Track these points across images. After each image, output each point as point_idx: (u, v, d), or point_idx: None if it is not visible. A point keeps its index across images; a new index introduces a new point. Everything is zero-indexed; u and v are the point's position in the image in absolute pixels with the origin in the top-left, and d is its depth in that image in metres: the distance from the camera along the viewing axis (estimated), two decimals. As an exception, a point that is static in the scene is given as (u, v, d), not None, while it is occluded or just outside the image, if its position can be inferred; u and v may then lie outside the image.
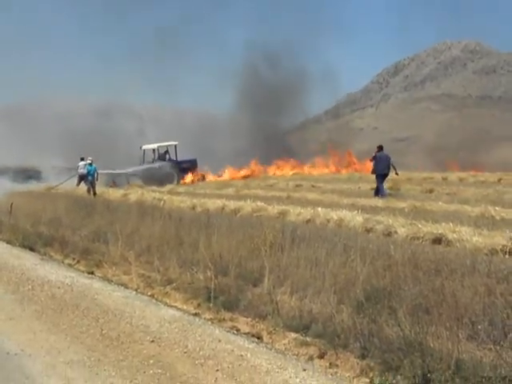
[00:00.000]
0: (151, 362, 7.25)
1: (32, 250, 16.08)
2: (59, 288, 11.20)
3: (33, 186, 35.28)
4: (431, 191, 25.18)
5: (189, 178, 41.95)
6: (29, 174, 41.75)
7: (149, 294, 11.00)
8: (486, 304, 7.29)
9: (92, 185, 31.67)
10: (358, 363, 7.08)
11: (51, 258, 14.94)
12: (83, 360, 7.35)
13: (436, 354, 6.48)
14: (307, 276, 9.37)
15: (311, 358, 7.53)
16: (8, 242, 17.34)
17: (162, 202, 23.09)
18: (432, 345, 6.67)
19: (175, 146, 43.82)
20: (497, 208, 16.79)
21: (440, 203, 19.10)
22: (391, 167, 24.32)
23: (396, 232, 13.66)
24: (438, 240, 12.70)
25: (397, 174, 24.88)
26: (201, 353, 7.54)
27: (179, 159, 43.31)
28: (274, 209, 18.41)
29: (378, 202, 20.67)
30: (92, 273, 12.99)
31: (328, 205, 19.16)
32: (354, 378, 6.92)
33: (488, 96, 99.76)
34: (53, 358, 7.45)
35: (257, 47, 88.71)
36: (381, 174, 24.24)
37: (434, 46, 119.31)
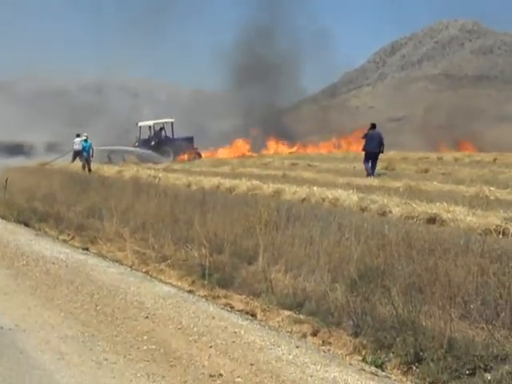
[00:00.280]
0: (145, 337, 7.28)
1: (27, 225, 16.08)
2: (54, 264, 11.21)
3: (25, 161, 35.20)
4: (426, 171, 25.19)
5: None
6: (20, 150, 41.61)
7: (143, 270, 11.03)
8: (478, 283, 7.32)
9: (87, 161, 31.60)
10: (350, 341, 7.13)
11: (46, 234, 14.95)
12: (77, 335, 7.37)
13: (428, 333, 6.52)
14: (301, 254, 9.40)
15: (304, 336, 7.58)
16: (3, 218, 17.33)
17: (158, 179, 23.06)
18: (424, 323, 6.72)
19: (171, 123, 43.69)
20: (491, 188, 16.82)
21: (435, 183, 19.12)
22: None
23: (390, 211, 13.68)
24: (432, 220, 12.72)
25: (382, 151, 24.80)
26: (195, 329, 7.57)
27: (175, 136, 43.18)
28: (269, 187, 18.40)
29: (373, 181, 20.69)
30: (87, 249, 13.01)
31: (323, 184, 19.16)
32: (346, 355, 6.97)
33: (485, 76, 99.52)
34: (47, 333, 7.47)
35: (250, 23, 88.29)
36: (371, 152, 24.21)
37: (431, 26, 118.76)
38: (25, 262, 11.28)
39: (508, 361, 5.94)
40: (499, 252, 8.52)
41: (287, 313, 8.19)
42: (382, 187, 17.92)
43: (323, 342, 7.35)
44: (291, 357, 6.75)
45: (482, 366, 5.99)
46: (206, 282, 9.70)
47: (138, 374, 6.25)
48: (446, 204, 13.45)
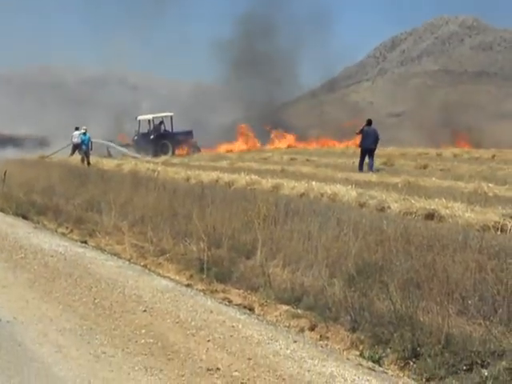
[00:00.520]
0: (143, 331, 7.29)
1: (25, 218, 16.07)
2: (52, 256, 11.22)
3: (21, 154, 35.13)
4: (425, 167, 25.21)
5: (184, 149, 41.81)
6: (15, 142, 41.53)
7: (142, 264, 11.04)
8: (476, 280, 7.34)
9: (86, 154, 31.60)
10: (348, 336, 7.14)
11: (44, 227, 14.94)
12: (75, 328, 7.38)
13: (426, 329, 6.54)
14: (300, 249, 9.41)
15: (302, 330, 7.59)
16: (1, 211, 17.31)
17: (156, 173, 23.08)
18: (422, 319, 6.73)
19: (171, 117, 43.67)
20: (490, 184, 16.84)
21: (434, 179, 19.15)
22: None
23: (389, 207, 13.70)
24: (430, 215, 12.75)
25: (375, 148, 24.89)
26: (192, 323, 7.59)
27: (174, 130, 43.17)
28: (268, 182, 18.41)
29: (372, 176, 20.71)
30: (85, 242, 13.00)
31: (322, 179, 19.18)
32: (344, 350, 6.98)
33: (484, 72, 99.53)
34: (45, 325, 7.48)
35: (249, 16, 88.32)
36: (367, 149, 24.30)
37: (432, 21, 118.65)
38: (23, 255, 11.28)
39: (505, 357, 5.95)
40: (497, 248, 8.54)
41: (285, 307, 8.21)
42: (381, 183, 17.93)
43: (321, 336, 7.36)
44: (289, 351, 6.76)
45: (479, 361, 6.01)
46: (204, 276, 9.70)
47: (136, 368, 6.26)
48: (444, 200, 13.47)
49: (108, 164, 29.99)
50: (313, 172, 22.87)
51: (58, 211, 15.69)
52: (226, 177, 20.53)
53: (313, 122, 61.42)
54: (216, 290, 9.23)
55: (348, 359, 6.69)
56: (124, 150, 40.78)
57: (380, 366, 6.51)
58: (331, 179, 19.32)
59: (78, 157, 33.04)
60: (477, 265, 7.63)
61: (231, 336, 7.19)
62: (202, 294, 9.12)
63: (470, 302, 6.93)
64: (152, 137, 42.06)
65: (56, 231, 14.39)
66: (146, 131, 42.88)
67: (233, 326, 7.52)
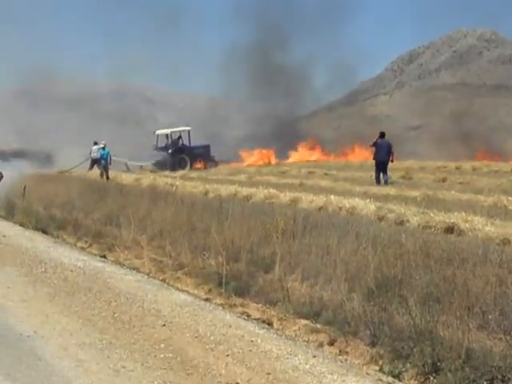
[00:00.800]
0: (162, 345, 7.30)
1: (45, 232, 16.18)
2: (72, 271, 11.28)
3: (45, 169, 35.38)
4: (444, 180, 25.07)
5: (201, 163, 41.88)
6: (33, 157, 41.70)
7: (160, 278, 11.07)
8: (497, 294, 7.29)
9: (105, 169, 31.73)
10: (367, 351, 7.11)
11: (64, 241, 15.04)
12: (95, 342, 7.41)
13: (446, 343, 6.50)
14: (318, 263, 9.39)
15: (321, 345, 7.57)
16: (21, 225, 17.45)
17: (175, 187, 23.12)
18: (442, 334, 6.69)
19: (188, 131, 43.83)
20: (510, 198, 16.70)
21: (453, 192, 19.02)
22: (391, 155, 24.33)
23: (408, 221, 13.62)
24: (450, 229, 12.66)
25: (392, 161, 24.80)
26: (211, 338, 7.59)
27: (192, 144, 43.32)
28: (286, 196, 18.39)
29: (391, 190, 20.62)
30: (104, 256, 13.07)
31: (340, 192, 19.12)
32: (363, 365, 6.95)
33: (503, 85, 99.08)
34: (65, 340, 7.51)
35: (268, 30, 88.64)
36: (380, 161, 24.24)
37: (450, 34, 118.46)
38: (43, 269, 11.35)
39: (526, 372, 5.91)
40: (518, 262, 8.47)
41: (304, 322, 8.19)
42: (400, 196, 17.85)
43: (340, 351, 7.34)
44: (308, 366, 6.74)
45: (500, 376, 5.96)
46: (222, 290, 9.71)
47: (156, 382, 6.27)
48: (464, 213, 13.37)
49: (127, 178, 30.08)
50: (331, 186, 22.81)
51: (77, 225, 15.79)
52: (244, 191, 20.52)
53: (330, 136, 61.41)
54: (235, 304, 9.24)
55: (368, 374, 6.66)
56: (142, 163, 40.94)
57: (400, 380, 6.47)
58: (349, 193, 19.26)
59: (96, 171, 33.20)
60: (497, 279, 7.58)
61: (250, 350, 7.18)
62: (220, 308, 9.12)
63: (490, 316, 6.87)
64: (170, 151, 42.20)
65: (75, 245, 14.48)
66: (164, 145, 43.04)
67: (252, 341, 7.51)
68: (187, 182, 25.66)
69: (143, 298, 9.40)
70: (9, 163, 32.98)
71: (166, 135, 43.52)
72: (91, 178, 29.20)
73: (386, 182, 23.66)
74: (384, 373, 6.64)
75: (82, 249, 14.07)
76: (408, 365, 6.59)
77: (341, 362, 7.03)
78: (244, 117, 69.18)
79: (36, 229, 16.62)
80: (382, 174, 24.17)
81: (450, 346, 6.42)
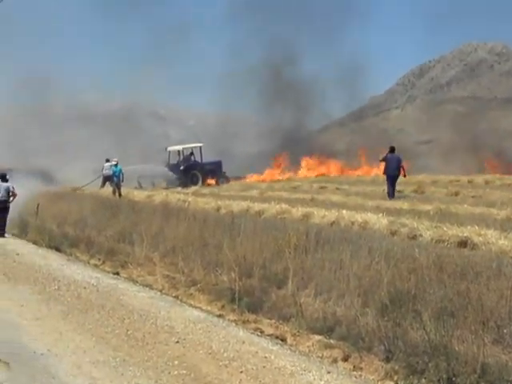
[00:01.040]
0: (176, 362, 7.29)
1: (58, 250, 16.24)
2: (85, 288, 11.30)
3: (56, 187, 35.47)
4: (457, 194, 24.95)
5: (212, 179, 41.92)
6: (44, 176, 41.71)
7: (173, 295, 11.07)
8: (511, 307, 7.24)
9: (117, 186, 31.78)
10: (382, 366, 7.07)
11: (77, 259, 15.08)
12: (109, 360, 7.41)
13: (461, 358, 6.45)
14: (331, 278, 9.37)
15: (335, 361, 7.54)
16: (34, 243, 17.52)
17: (187, 204, 23.14)
18: (457, 348, 6.65)
19: (200, 147, 43.92)
20: (523, 211, 16.61)
21: (465, 206, 18.93)
22: (401, 169, 24.26)
23: (421, 235, 13.57)
24: (463, 243, 12.60)
25: (404, 175, 24.75)
26: (225, 354, 7.57)
27: (204, 161, 43.40)
28: (298, 211, 18.36)
29: (403, 204, 20.55)
30: (117, 273, 13.10)
31: (352, 207, 19.08)
32: (378, 381, 6.92)
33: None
34: (79, 357, 7.52)
35: (278, 47, 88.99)
36: (390, 176, 24.20)
37: (460, 48, 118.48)
38: (56, 287, 11.38)
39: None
40: (532, 276, 8.41)
41: (317, 337, 8.16)
42: (412, 210, 17.78)
43: (354, 367, 7.30)
44: (322, 382, 6.72)
45: (516, 391, 5.91)
46: (235, 306, 9.70)
47: (169, 399, 6.25)
48: (477, 227, 13.31)
49: (139, 195, 30.13)
50: (343, 200, 22.76)
51: (90, 243, 15.83)
52: (256, 206, 20.52)
53: (342, 150, 61.38)
54: (248, 321, 9.22)
55: (382, 390, 6.63)
56: (162, 169, 40.97)
57: (415, 396, 6.43)
58: (362, 207, 19.21)
59: (109, 188, 33.25)
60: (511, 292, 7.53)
61: (264, 367, 7.15)
62: (233, 324, 9.11)
63: (505, 330, 6.83)
64: (182, 167, 42.28)
65: (88, 263, 14.51)
66: (176, 162, 43.13)
67: (265, 357, 7.49)
68: (199, 198, 25.67)
69: (156, 315, 9.40)
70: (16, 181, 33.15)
71: (178, 152, 43.61)
72: (103, 196, 29.28)
73: (392, 196, 23.60)
74: (399, 388, 6.60)
75: (95, 266, 14.10)
76: (423, 380, 6.54)
77: (355, 377, 7.00)
78: (254, 132, 69.27)
79: (49, 247, 16.68)
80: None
81: (465, 361, 6.38)
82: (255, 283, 10.15)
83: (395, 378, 6.81)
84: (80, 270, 13.39)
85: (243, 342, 8.06)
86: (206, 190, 34.20)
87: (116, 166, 32.72)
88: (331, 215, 16.92)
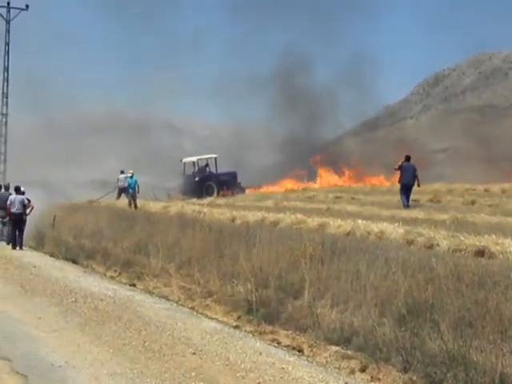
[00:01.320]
0: (193, 374, 7.29)
1: (75, 262, 16.32)
2: (102, 300, 11.34)
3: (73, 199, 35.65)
4: (473, 203, 24.81)
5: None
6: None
7: (190, 306, 11.09)
8: (530, 317, 7.18)
9: (133, 197, 31.84)
10: (400, 377, 7.04)
11: (94, 271, 15.15)
12: (126, 372, 7.41)
13: (480, 368, 6.41)
14: (348, 289, 9.34)
15: (353, 372, 7.51)
16: (51, 255, 17.62)
17: (202, 215, 23.16)
18: (475, 358, 6.60)
19: (215, 158, 43.98)
20: (541, 220, 16.51)
21: (482, 215, 18.83)
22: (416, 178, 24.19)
23: (438, 244, 13.51)
24: (480, 252, 12.52)
25: (418, 185, 24.65)
26: (242, 365, 7.56)
27: (219, 171, 43.45)
28: (313, 221, 18.33)
29: (419, 213, 20.47)
30: (133, 285, 13.13)
31: (368, 217, 19.04)
32: (396, 391, 6.88)
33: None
34: (96, 369, 7.53)
35: (291, 55, 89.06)
36: (405, 184, 24.12)
37: (475, 57, 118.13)
38: (73, 299, 11.42)
39: None
40: (551, 285, 8.35)
41: (335, 348, 8.13)
42: (428, 220, 17.71)
43: (372, 377, 7.27)
44: (340, 393, 6.69)
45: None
46: (252, 317, 9.70)
47: (187, 411, 6.25)
48: (494, 236, 13.23)
49: (155, 206, 30.19)
50: (358, 210, 22.70)
51: (106, 254, 15.90)
52: (272, 216, 20.51)
53: (356, 160, 61.23)
54: (264, 332, 9.21)
55: (401, 401, 6.59)
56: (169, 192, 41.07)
57: (434, 407, 6.39)
58: (377, 217, 19.16)
59: (125, 200, 33.32)
60: (530, 302, 7.47)
61: (281, 378, 7.14)
62: (250, 335, 9.10)
63: (524, 340, 6.78)
64: (197, 178, 42.35)
65: (105, 275, 14.57)
66: (191, 173, 43.22)
67: (282, 368, 7.47)
68: (215, 209, 25.69)
69: (173, 327, 9.41)
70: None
71: (193, 163, 43.71)
72: (119, 207, 29.38)
73: (407, 205, 23.53)
74: (417, 399, 6.56)
75: (112, 278, 14.15)
76: (441, 391, 6.50)
77: (373, 388, 6.97)
78: (268, 143, 69.27)
79: (66, 259, 16.77)
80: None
81: (483, 371, 6.34)
82: (271, 294, 10.14)
83: (413, 388, 6.78)
84: (96, 281, 13.44)
85: (260, 353, 8.05)
86: (221, 201, 34.21)
87: (131, 177, 32.80)
88: (347, 225, 16.88)
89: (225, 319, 10.12)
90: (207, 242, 14.00)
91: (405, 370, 7.06)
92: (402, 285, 8.75)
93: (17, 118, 52.45)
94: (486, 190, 31.18)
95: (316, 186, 44.91)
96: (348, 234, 16.08)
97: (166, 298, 11.77)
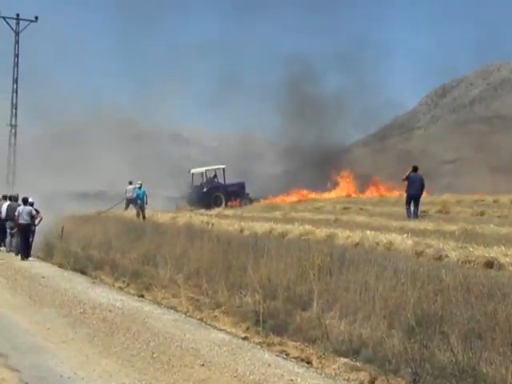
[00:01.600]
0: (201, 385, 7.28)
1: (83, 273, 16.33)
2: (110, 311, 11.34)
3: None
4: (482, 214, 24.72)
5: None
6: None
7: (198, 317, 11.07)
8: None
9: (141, 208, 31.87)
10: (409, 389, 7.01)
11: (102, 281, 15.15)
12: (135, 383, 7.40)
13: (489, 380, 6.39)
14: (357, 300, 9.32)
15: (362, 384, 7.48)
16: (60, 266, 17.64)
17: (210, 225, 23.17)
18: (485, 370, 6.58)
19: (223, 169, 44.03)
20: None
21: (491, 226, 18.76)
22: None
23: (447, 256, 13.47)
24: (489, 263, 12.47)
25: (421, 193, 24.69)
26: (251, 377, 7.54)
27: (227, 182, 43.48)
28: (321, 232, 18.31)
29: (428, 224, 20.41)
30: (142, 296, 13.13)
31: (377, 228, 19.00)
32: (405, 403, 6.85)
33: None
34: (105, 381, 7.52)
35: (299, 66, 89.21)
36: (412, 195, 24.12)
37: (483, 68, 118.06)
38: (82, 310, 11.43)
39: None
40: (561, 296, 8.31)
41: (343, 360, 8.10)
42: (437, 231, 17.66)
43: (381, 389, 7.24)
44: (349, 405, 6.66)
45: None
46: (260, 328, 9.67)
47: (195, 423, 6.23)
48: (503, 247, 13.19)
49: (163, 217, 30.22)
50: (367, 221, 22.66)
51: (114, 265, 15.91)
52: (280, 227, 20.49)
53: (365, 171, 61.20)
54: (273, 343, 9.18)
55: (410, 413, 6.56)
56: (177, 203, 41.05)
57: (443, 419, 6.35)
58: (386, 228, 19.12)
59: (133, 211, 33.36)
60: (540, 314, 7.44)
61: (290, 390, 7.11)
62: (259, 346, 9.08)
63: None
64: (205, 189, 42.38)
65: (113, 285, 14.57)
66: (199, 184, 43.26)
67: (291, 380, 7.45)
68: (223, 220, 25.69)
69: (182, 338, 9.40)
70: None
71: (201, 173, 43.76)
72: (127, 218, 29.42)
73: (416, 215, 23.50)
74: (427, 411, 6.52)
75: (120, 289, 14.15)
76: (451, 403, 6.47)
77: (382, 400, 6.93)
78: (277, 153, 69.38)
79: (74, 269, 16.78)
80: (412, 207, 24.00)
81: (493, 383, 6.30)
82: (280, 305, 10.12)
83: (423, 400, 6.75)
84: (105, 292, 13.45)
85: (269, 365, 8.03)
86: (229, 212, 34.21)
87: (140, 188, 32.85)
88: (355, 236, 16.86)
89: (233, 330, 10.10)
90: (215, 253, 14.00)
91: (414, 382, 7.03)
92: (411, 296, 8.73)
93: (24, 129, 52.74)
94: (495, 201, 31.05)
95: (324, 196, 44.72)
96: (356, 244, 16.05)
97: (175, 309, 11.76)
